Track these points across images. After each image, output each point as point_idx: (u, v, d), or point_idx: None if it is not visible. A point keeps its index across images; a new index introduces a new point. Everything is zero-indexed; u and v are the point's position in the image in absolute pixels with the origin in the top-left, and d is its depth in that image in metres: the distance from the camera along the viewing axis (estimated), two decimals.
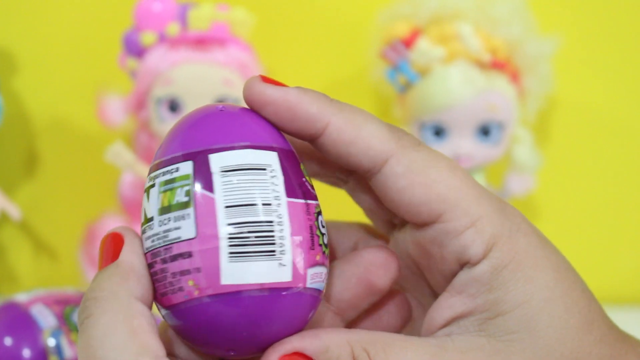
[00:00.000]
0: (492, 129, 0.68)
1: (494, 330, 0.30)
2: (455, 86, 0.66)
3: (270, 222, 0.30)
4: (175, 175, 0.31)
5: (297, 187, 0.31)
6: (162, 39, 0.66)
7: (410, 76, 0.67)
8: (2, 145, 0.80)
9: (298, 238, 0.30)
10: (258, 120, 0.33)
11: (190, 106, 0.67)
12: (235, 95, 0.67)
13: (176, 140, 0.32)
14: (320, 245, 0.31)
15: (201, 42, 0.67)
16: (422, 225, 0.32)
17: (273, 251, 0.30)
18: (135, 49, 0.67)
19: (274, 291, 0.30)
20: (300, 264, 0.30)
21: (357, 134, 0.32)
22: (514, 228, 0.31)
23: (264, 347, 0.31)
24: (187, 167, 0.31)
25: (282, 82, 0.33)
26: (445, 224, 0.31)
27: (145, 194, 0.32)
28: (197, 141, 0.31)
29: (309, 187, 0.32)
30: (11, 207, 0.73)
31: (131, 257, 0.30)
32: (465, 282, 0.31)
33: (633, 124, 0.80)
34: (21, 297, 0.60)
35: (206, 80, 0.66)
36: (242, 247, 0.30)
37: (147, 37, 0.66)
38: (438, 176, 0.31)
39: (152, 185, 0.31)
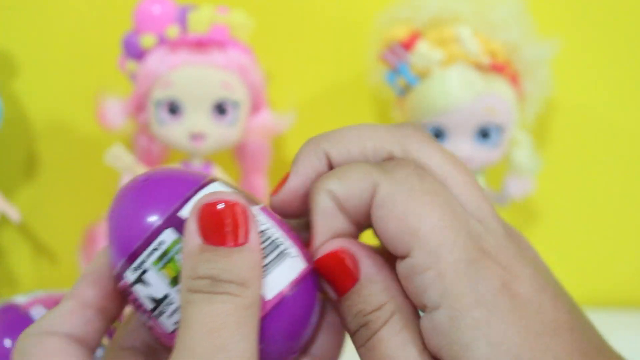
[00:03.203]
0: (491, 131, 0.68)
1: None
2: (455, 89, 0.66)
3: (264, 231, 0.32)
4: (164, 247, 0.31)
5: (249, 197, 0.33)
6: (162, 41, 0.66)
7: (410, 79, 0.67)
8: (1, 147, 0.80)
9: (285, 231, 0.32)
10: (179, 172, 0.34)
11: (189, 108, 0.67)
12: (234, 97, 0.67)
13: (134, 223, 0.32)
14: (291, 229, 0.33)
15: (201, 45, 0.67)
16: (400, 257, 0.31)
17: (283, 251, 0.32)
18: (134, 52, 0.67)
19: (306, 277, 0.32)
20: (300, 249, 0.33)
21: (348, 188, 0.32)
22: (479, 285, 0.30)
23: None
24: (169, 235, 0.31)
25: (282, 181, 0.34)
26: (412, 259, 0.30)
27: (138, 286, 0.32)
28: (156, 210, 0.32)
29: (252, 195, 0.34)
30: (11, 209, 0.73)
31: (260, 242, 0.31)
32: (429, 327, 0.30)
33: (631, 127, 0.80)
34: (21, 299, 0.60)
35: (205, 83, 0.66)
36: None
37: (147, 40, 0.66)
38: (415, 208, 0.30)
39: (143, 272, 0.31)
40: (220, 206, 0.30)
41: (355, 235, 0.33)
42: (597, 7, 0.78)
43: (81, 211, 0.78)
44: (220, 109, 0.67)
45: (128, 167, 0.68)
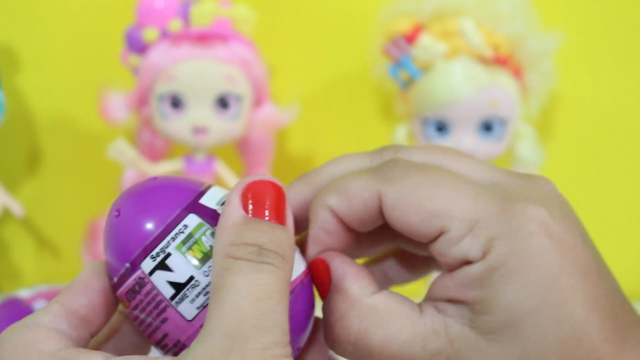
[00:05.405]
0: (494, 124, 0.68)
1: (481, 326, 0.31)
2: (458, 82, 0.66)
3: None
4: (188, 230, 0.32)
5: None
6: (164, 35, 0.66)
7: (413, 72, 0.67)
8: (4, 142, 0.80)
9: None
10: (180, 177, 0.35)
11: (192, 102, 0.67)
12: (237, 91, 0.67)
13: (155, 211, 0.32)
14: None
15: (203, 39, 0.67)
16: (430, 242, 0.32)
17: None
18: (137, 46, 0.67)
19: (307, 273, 0.34)
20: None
21: (349, 202, 0.33)
22: (514, 230, 0.31)
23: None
24: (193, 219, 0.32)
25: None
26: (445, 235, 0.31)
27: (158, 273, 0.32)
28: (177, 199, 0.33)
29: None
30: (14, 203, 0.73)
31: (292, 223, 0.32)
32: (461, 275, 0.31)
33: (635, 120, 0.80)
34: (24, 293, 0.60)
35: (208, 77, 0.66)
36: None
37: (149, 34, 0.66)
38: (428, 193, 0.32)
39: (167, 256, 0.32)
40: (268, 185, 0.31)
41: (349, 243, 0.35)
42: None
43: (84, 205, 0.78)
44: (223, 102, 0.67)
45: (131, 161, 0.68)
